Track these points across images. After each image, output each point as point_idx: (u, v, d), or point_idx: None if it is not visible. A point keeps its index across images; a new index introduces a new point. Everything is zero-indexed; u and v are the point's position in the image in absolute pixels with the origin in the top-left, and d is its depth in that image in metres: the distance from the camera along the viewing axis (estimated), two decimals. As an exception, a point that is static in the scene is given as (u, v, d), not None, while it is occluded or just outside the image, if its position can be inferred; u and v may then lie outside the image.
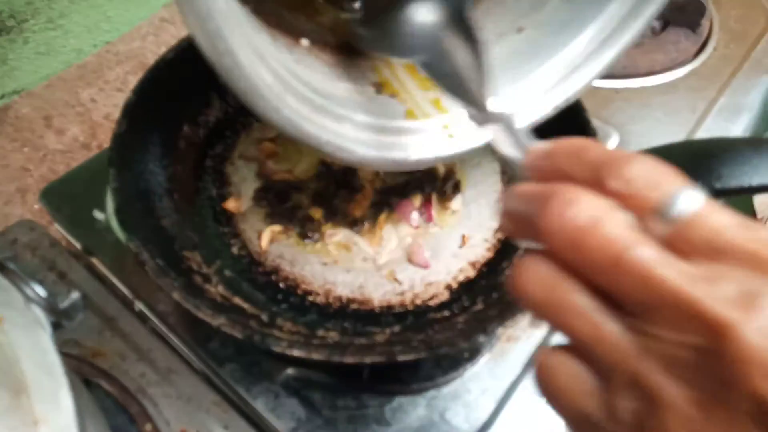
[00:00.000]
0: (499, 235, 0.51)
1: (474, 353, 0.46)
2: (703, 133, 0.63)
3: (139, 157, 0.44)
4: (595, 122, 0.48)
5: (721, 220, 0.20)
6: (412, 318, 0.45)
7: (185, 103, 0.51)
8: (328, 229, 0.49)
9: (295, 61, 0.35)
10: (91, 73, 0.77)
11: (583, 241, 0.20)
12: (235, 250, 0.48)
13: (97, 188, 0.52)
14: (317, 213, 0.50)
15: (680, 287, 0.18)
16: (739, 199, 0.70)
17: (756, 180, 0.41)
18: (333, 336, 0.43)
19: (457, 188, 0.52)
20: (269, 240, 0.49)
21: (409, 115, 0.37)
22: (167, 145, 0.49)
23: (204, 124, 0.52)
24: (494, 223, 0.51)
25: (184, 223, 0.47)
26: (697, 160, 0.43)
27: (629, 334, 0.20)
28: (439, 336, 0.41)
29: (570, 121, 0.47)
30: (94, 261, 0.51)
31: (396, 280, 0.47)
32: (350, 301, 0.46)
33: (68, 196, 0.52)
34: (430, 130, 0.37)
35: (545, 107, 0.40)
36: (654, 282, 0.19)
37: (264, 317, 0.43)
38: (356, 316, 0.45)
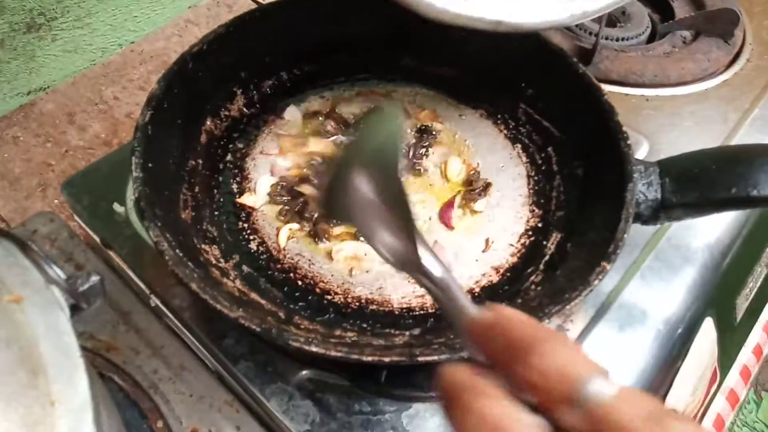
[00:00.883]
0: (524, 240, 0.49)
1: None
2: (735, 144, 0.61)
3: (161, 148, 0.44)
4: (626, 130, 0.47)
5: (633, 413, 0.19)
6: (433, 321, 0.44)
7: (209, 97, 0.51)
8: (336, 244, 0.48)
9: None
10: (114, 72, 0.77)
11: None
12: (253, 246, 0.47)
13: (118, 182, 0.52)
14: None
15: None
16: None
17: (795, 188, 0.39)
18: (351, 336, 0.42)
19: (486, 190, 0.51)
20: (287, 238, 0.48)
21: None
22: (189, 138, 0.48)
23: (226, 119, 0.52)
24: (519, 228, 0.50)
25: (203, 217, 0.46)
26: (730, 166, 0.42)
27: None
28: (459, 339, 0.40)
29: (603, 127, 0.46)
30: (112, 254, 0.50)
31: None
32: (369, 301, 0.45)
33: (89, 189, 0.52)
34: None
35: (562, 12, 0.43)
36: None
37: (281, 314, 0.42)
38: (375, 317, 0.44)
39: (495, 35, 0.50)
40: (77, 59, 0.75)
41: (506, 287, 0.46)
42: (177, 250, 0.38)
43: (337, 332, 0.42)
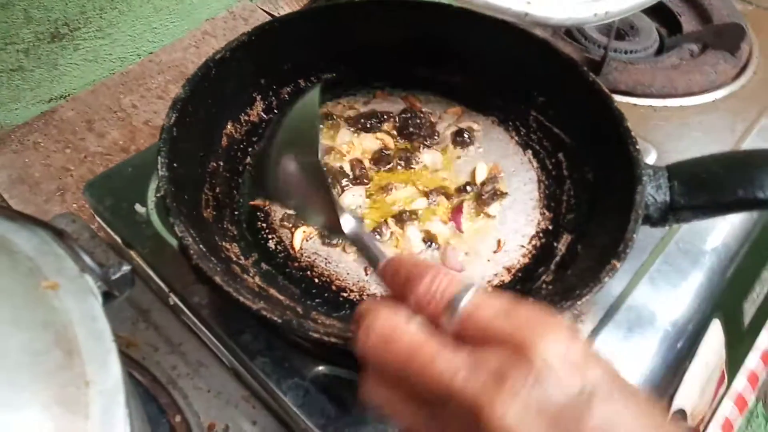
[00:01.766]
0: (535, 242, 0.50)
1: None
2: (742, 154, 0.62)
3: (185, 150, 0.45)
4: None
5: (488, 311, 0.25)
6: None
7: (230, 102, 0.52)
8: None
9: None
10: (133, 81, 0.79)
11: (381, 357, 0.26)
12: (271, 245, 0.49)
13: (139, 184, 0.54)
14: None
15: (449, 378, 0.24)
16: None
17: (801, 190, 0.40)
18: (367, 332, 0.42)
19: (498, 196, 0.52)
20: (302, 239, 0.49)
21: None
22: (211, 141, 0.50)
23: (246, 123, 0.54)
24: (530, 230, 0.51)
25: (223, 216, 0.48)
26: (737, 169, 0.43)
27: (430, 421, 0.25)
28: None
29: (613, 133, 0.47)
30: (133, 254, 0.52)
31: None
32: (384, 299, 0.46)
33: (111, 190, 0.54)
34: None
35: (585, 12, 0.46)
36: (431, 377, 0.24)
37: (299, 309, 0.43)
38: (390, 315, 0.45)
39: (509, 44, 0.52)
40: (97, 68, 0.77)
41: (518, 286, 0.48)
42: (200, 246, 0.39)
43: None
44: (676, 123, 0.64)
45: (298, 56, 0.56)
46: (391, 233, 0.50)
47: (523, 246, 0.50)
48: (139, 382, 0.47)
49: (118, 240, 0.52)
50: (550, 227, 0.51)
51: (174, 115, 0.44)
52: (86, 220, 0.61)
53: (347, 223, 0.33)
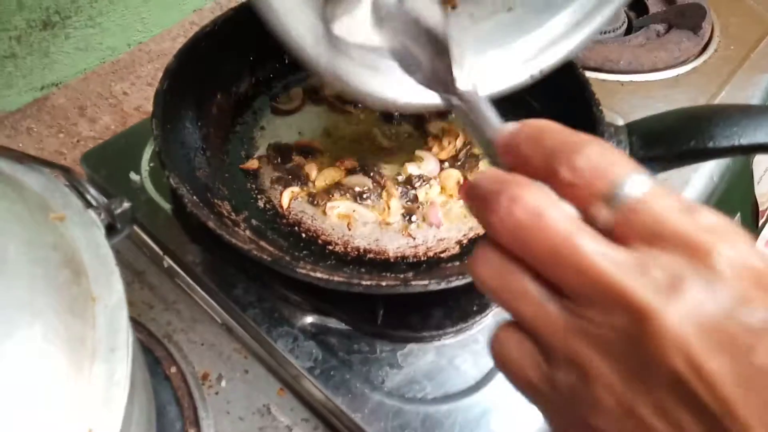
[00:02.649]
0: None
1: (483, 307, 0.48)
2: (703, 123, 0.66)
3: (177, 115, 0.48)
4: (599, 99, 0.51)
5: (664, 205, 0.21)
6: (425, 266, 0.48)
7: (219, 74, 0.55)
8: (331, 202, 0.52)
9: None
10: (123, 69, 0.81)
11: (524, 237, 0.21)
12: (260, 203, 0.52)
13: (133, 154, 0.56)
14: (312, 170, 0.53)
15: (611, 276, 0.20)
16: (740, 190, 0.73)
17: (745, 140, 0.44)
18: (351, 277, 0.45)
19: (474, 158, 0.56)
20: (290, 199, 0.52)
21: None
22: (201, 109, 0.53)
23: (234, 95, 0.57)
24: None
25: (215, 177, 0.50)
26: (691, 123, 0.46)
27: (567, 317, 0.21)
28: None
29: (578, 96, 0.51)
30: (128, 219, 0.54)
31: (410, 235, 0.50)
32: (367, 251, 0.49)
33: (106, 160, 0.56)
34: None
35: (522, 75, 0.48)
36: (587, 272, 0.20)
37: (288, 259, 0.45)
38: (372, 264, 0.48)
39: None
40: (88, 57, 0.79)
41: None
42: (194, 197, 0.42)
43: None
44: (642, 96, 0.68)
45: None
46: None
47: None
48: (135, 337, 0.49)
49: (114, 207, 0.55)
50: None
51: (166, 81, 0.47)
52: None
53: (463, 79, 0.27)
